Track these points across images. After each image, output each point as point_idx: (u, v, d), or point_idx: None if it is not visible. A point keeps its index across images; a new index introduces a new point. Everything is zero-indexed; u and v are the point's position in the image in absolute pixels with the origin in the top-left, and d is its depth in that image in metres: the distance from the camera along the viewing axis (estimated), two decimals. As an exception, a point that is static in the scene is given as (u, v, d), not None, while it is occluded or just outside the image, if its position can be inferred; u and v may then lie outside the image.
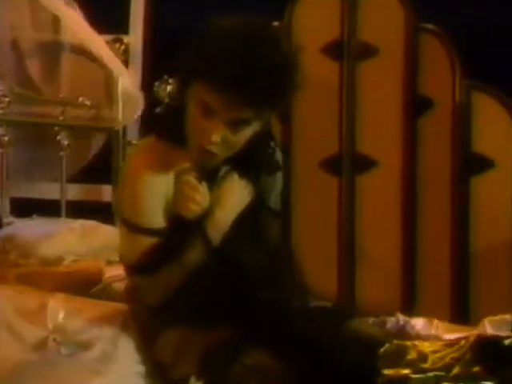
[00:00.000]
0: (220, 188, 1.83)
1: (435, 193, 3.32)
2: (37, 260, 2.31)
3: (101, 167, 3.30)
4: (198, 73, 1.75)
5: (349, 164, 3.41)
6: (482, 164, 3.22)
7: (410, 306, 3.34)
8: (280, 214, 1.94)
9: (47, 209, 3.05)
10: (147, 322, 1.82)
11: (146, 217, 1.78)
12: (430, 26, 3.32)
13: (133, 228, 1.78)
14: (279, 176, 1.95)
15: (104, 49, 3.07)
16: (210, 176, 1.83)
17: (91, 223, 2.76)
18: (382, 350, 1.64)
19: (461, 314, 3.21)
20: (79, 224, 2.69)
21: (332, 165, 3.42)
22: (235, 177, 1.83)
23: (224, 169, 1.83)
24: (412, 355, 1.63)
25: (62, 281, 2.13)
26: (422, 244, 3.35)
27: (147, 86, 3.30)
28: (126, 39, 3.36)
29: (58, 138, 3.09)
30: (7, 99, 3.03)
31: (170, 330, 1.78)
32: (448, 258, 3.27)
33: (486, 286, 3.21)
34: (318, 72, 3.42)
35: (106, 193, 3.36)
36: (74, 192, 3.25)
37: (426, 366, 1.61)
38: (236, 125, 1.73)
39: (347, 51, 3.40)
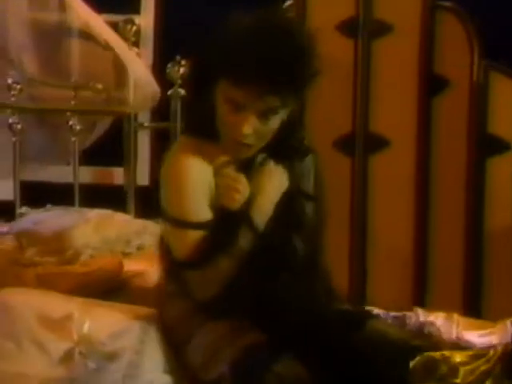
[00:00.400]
0: (259, 175, 1.86)
1: (449, 174, 3.28)
2: (54, 257, 2.28)
3: (112, 150, 3.26)
4: (222, 72, 1.78)
5: (362, 143, 3.37)
6: (498, 146, 3.18)
7: (421, 289, 3.35)
8: (314, 198, 1.96)
9: (58, 192, 3.02)
10: (179, 325, 1.82)
11: (192, 211, 1.80)
12: (448, 4, 3.26)
13: (181, 224, 1.80)
14: (311, 160, 1.98)
15: (111, 35, 3.00)
16: (246, 166, 1.87)
17: (106, 213, 2.72)
18: (413, 363, 1.62)
19: (474, 297, 3.22)
20: (94, 214, 2.65)
21: (345, 144, 3.38)
22: (272, 163, 1.87)
23: (260, 156, 1.87)
24: (443, 369, 1.62)
25: (82, 281, 2.10)
26: (435, 225, 3.33)
27: (159, 67, 3.25)
28: (137, 20, 3.30)
29: (70, 123, 3.05)
30: (19, 86, 2.99)
31: (204, 331, 1.78)
32: (462, 239, 3.25)
33: (500, 269, 3.20)
34: (332, 50, 3.34)
35: (117, 175, 3.35)
36: (85, 175, 3.23)
37: (458, 381, 1.60)
38: (265, 115, 1.78)
39: (362, 29, 3.33)
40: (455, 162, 3.25)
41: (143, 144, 3.42)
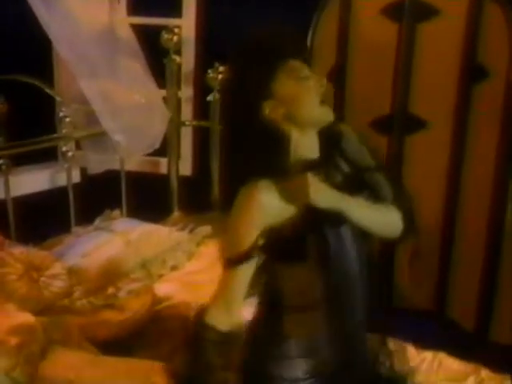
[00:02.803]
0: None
1: (481, 163, 3.34)
2: (97, 297, 2.60)
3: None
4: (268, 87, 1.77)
5: (399, 123, 3.45)
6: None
7: (446, 259, 3.54)
8: (381, 167, 1.94)
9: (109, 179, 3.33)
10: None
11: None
12: (496, -6, 3.18)
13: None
14: (350, 133, 1.95)
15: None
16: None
17: (148, 229, 2.99)
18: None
19: (489, 294, 3.39)
20: (135, 235, 2.92)
21: (383, 124, 3.47)
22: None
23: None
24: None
25: (118, 330, 2.42)
26: (462, 210, 3.46)
27: (200, 71, 3.38)
28: (178, 22, 3.37)
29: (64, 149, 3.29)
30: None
31: None
32: (485, 228, 3.35)
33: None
34: (377, 33, 3.39)
35: (162, 165, 3.62)
36: (133, 164, 3.49)
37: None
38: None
39: (407, 12, 3.32)
40: (487, 153, 3.29)
41: (186, 138, 3.69)
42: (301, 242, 1.77)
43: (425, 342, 2.55)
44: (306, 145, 1.81)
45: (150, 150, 3.24)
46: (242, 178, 1.77)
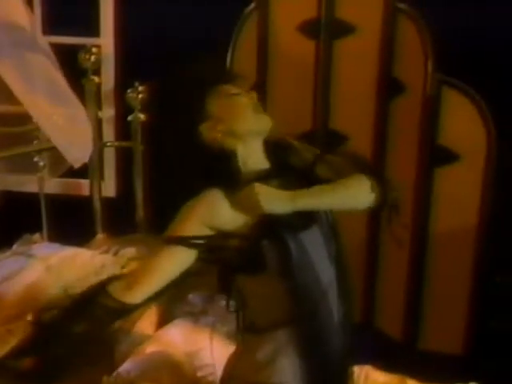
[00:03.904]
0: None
1: (401, 172, 3.37)
2: (16, 325, 2.52)
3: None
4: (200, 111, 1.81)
5: (321, 139, 3.49)
6: (447, 156, 3.29)
7: (371, 269, 3.57)
8: (324, 153, 1.94)
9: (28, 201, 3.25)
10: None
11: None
12: (408, 9, 3.25)
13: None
14: (294, 144, 1.96)
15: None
16: None
17: (70, 253, 2.94)
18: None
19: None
20: (56, 260, 2.86)
21: (306, 140, 3.48)
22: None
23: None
24: None
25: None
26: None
27: (120, 91, 3.36)
28: (97, 41, 3.34)
29: (35, 159, 3.22)
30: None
31: None
32: (409, 237, 3.36)
33: (441, 277, 3.39)
34: (294, 50, 3.43)
35: (84, 187, 3.57)
36: (54, 187, 3.43)
37: None
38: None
39: (323, 29, 3.37)
40: (406, 166, 3.35)
41: (109, 159, 3.65)
42: (257, 250, 1.74)
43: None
44: (252, 156, 1.82)
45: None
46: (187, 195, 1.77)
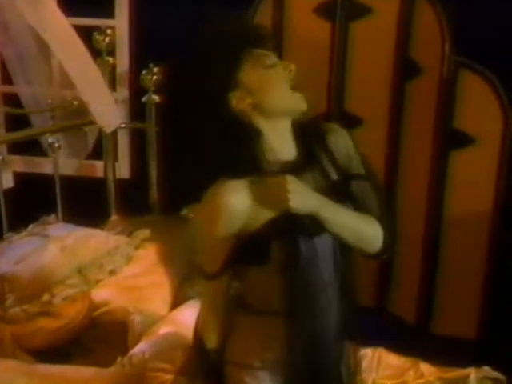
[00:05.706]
0: None
1: (417, 155, 3.38)
2: (31, 304, 2.55)
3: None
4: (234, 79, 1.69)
5: (337, 121, 3.47)
6: (463, 140, 3.26)
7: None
8: (370, 177, 1.81)
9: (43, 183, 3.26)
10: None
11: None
12: (426, -9, 3.22)
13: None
14: (342, 134, 1.86)
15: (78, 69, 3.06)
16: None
17: (85, 234, 2.94)
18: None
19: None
20: (71, 240, 2.87)
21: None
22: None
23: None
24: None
25: (54, 337, 2.39)
26: (399, 205, 3.46)
27: (134, 73, 3.36)
28: (112, 24, 3.34)
29: (50, 140, 3.23)
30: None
31: None
32: (423, 221, 3.38)
33: (456, 261, 3.37)
34: (310, 32, 3.41)
35: (99, 168, 3.57)
36: (68, 168, 3.44)
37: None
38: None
39: (340, 11, 3.34)
40: (422, 150, 3.32)
41: (123, 141, 3.65)
42: (265, 244, 1.66)
43: (366, 338, 2.57)
44: (279, 140, 1.69)
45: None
46: (208, 178, 1.64)
